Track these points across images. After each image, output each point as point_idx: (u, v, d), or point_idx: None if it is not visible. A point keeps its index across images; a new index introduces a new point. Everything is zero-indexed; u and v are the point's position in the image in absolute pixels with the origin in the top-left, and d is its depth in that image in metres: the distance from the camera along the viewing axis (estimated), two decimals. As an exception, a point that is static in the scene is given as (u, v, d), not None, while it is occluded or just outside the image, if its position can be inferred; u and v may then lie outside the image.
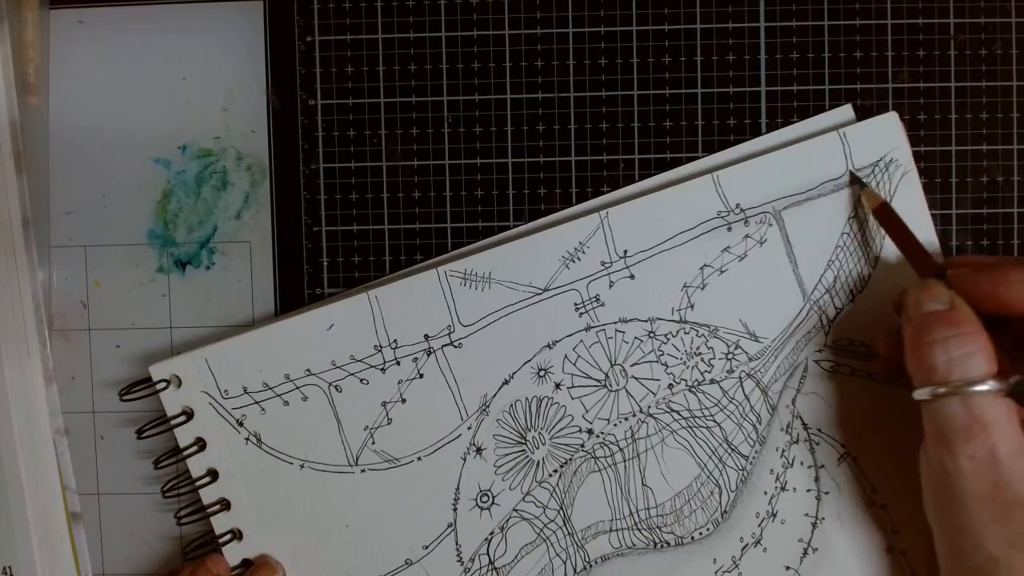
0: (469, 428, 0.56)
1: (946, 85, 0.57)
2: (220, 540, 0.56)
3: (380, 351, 0.56)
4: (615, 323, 0.56)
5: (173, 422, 0.56)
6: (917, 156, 0.56)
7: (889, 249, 0.55)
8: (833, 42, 0.57)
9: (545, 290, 0.55)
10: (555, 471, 0.56)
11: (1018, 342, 0.48)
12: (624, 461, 0.56)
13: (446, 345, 0.56)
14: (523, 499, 0.56)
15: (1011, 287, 0.46)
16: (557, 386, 0.56)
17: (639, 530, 0.56)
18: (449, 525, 0.56)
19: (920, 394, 0.46)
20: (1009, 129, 0.57)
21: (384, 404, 0.56)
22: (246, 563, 0.56)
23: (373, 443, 0.56)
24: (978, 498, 0.44)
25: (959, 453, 0.44)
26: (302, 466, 0.56)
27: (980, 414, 0.44)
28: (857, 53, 0.57)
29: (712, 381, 0.56)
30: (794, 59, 0.57)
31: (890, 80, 0.57)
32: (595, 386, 0.56)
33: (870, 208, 0.54)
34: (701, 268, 0.55)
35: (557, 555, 0.56)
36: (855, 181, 0.55)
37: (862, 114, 0.57)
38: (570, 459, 0.56)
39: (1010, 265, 0.47)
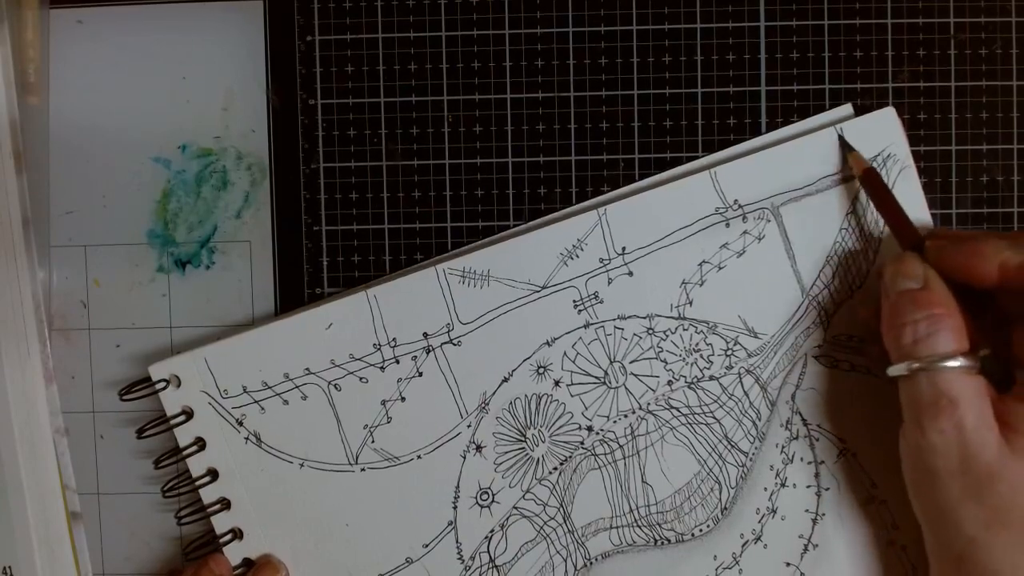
0: (469, 426, 0.56)
1: (946, 85, 0.57)
2: (221, 540, 0.56)
3: (379, 350, 0.56)
4: (614, 320, 0.56)
5: (173, 422, 0.56)
6: (917, 156, 0.56)
7: (888, 245, 0.55)
8: (833, 42, 0.57)
9: (543, 287, 0.55)
10: (555, 468, 0.56)
11: (999, 317, 0.49)
12: (624, 458, 0.56)
13: (445, 343, 0.56)
14: (523, 497, 0.56)
15: (985, 260, 0.47)
16: (556, 383, 0.56)
17: (639, 527, 0.56)
18: (449, 523, 0.56)
19: (894, 370, 0.48)
20: (1009, 129, 0.57)
21: (384, 403, 0.56)
22: (247, 562, 0.56)
23: (373, 442, 0.56)
24: (949, 473, 0.45)
25: (928, 428, 0.45)
26: (302, 465, 0.56)
27: (947, 389, 0.45)
28: (857, 53, 0.57)
29: (711, 377, 0.56)
30: (794, 59, 0.57)
31: (890, 80, 0.57)
32: (594, 383, 0.56)
33: (856, 173, 0.54)
34: (700, 265, 0.55)
35: (557, 552, 0.56)
36: (843, 145, 0.55)
37: (862, 114, 0.56)
38: (570, 456, 0.56)
39: (985, 238, 0.48)
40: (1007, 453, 0.44)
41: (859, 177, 0.54)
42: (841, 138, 0.55)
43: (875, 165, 0.55)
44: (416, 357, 0.56)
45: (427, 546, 0.56)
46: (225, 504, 0.56)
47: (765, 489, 0.56)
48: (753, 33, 0.57)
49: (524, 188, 0.58)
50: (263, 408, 0.56)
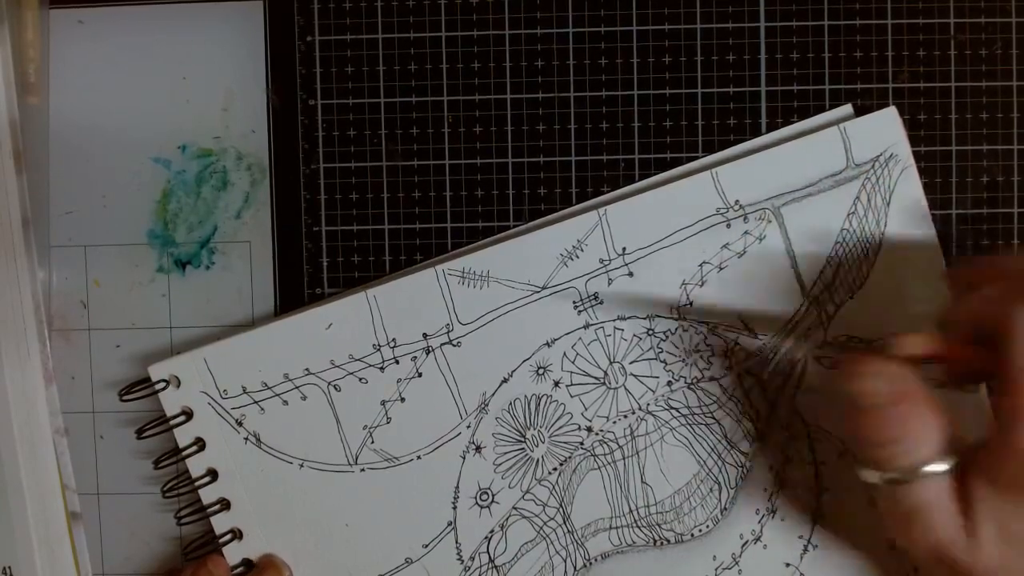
0: (468, 426, 0.56)
1: (946, 85, 0.57)
2: (220, 540, 0.56)
3: (379, 350, 0.56)
4: (614, 321, 0.56)
5: (172, 422, 0.56)
6: (917, 156, 0.56)
7: (889, 246, 0.55)
8: (833, 42, 0.57)
9: (543, 288, 0.55)
10: (554, 469, 0.56)
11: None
12: (623, 459, 0.56)
13: (445, 344, 0.56)
14: (523, 497, 0.56)
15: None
16: (556, 384, 0.56)
17: (639, 527, 0.56)
18: (449, 523, 0.56)
19: (868, 476, 0.46)
20: (1009, 129, 0.57)
21: (383, 403, 0.56)
22: (247, 563, 0.56)
23: (372, 442, 0.56)
24: (932, 562, 0.44)
25: (902, 536, 0.45)
26: (301, 465, 0.56)
27: (918, 499, 0.44)
28: (857, 53, 0.57)
29: (711, 378, 0.56)
30: (794, 59, 0.57)
31: (890, 80, 0.57)
32: (594, 384, 0.56)
33: None
34: (700, 265, 0.55)
35: (557, 553, 0.56)
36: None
37: (862, 114, 0.56)
38: (569, 457, 0.56)
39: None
40: (975, 544, 0.43)
41: None
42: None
43: (877, 165, 0.55)
44: (416, 358, 0.56)
45: (427, 546, 0.56)
46: (225, 504, 0.56)
47: (765, 490, 0.56)
48: (753, 33, 0.57)
49: (524, 188, 0.58)
50: (263, 408, 0.56)
